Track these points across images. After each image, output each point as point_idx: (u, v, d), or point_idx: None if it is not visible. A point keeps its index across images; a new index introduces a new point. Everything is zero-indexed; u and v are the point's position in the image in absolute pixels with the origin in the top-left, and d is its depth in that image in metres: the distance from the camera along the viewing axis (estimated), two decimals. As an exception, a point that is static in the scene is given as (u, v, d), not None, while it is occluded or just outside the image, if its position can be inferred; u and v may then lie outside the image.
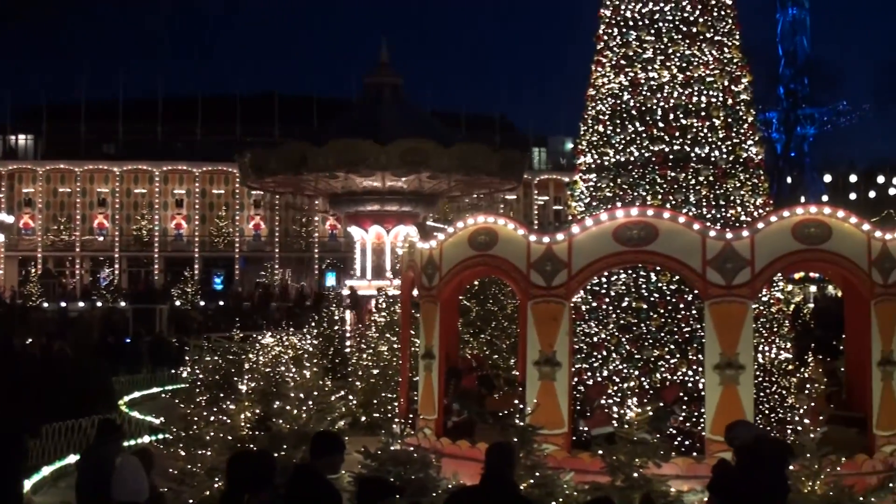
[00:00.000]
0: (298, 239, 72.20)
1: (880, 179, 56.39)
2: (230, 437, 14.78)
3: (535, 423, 12.70)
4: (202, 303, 55.19)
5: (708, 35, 16.43)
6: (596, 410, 14.58)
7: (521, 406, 14.15)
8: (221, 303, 56.33)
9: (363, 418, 19.94)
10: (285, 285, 63.85)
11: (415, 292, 17.39)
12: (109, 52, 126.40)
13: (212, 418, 15.66)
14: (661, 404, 13.84)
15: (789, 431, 14.36)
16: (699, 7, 16.44)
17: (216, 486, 12.80)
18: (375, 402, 20.17)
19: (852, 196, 58.24)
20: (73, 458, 16.48)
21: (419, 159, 26.92)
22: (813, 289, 50.79)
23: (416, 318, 17.25)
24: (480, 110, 76.79)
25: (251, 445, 14.17)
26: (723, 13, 16.66)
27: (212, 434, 14.75)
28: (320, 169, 27.34)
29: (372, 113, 29.61)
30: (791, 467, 10.40)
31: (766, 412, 14.96)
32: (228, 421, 15.56)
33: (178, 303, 53.42)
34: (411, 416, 16.75)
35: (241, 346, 22.39)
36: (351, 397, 20.32)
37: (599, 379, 15.38)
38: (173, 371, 27.34)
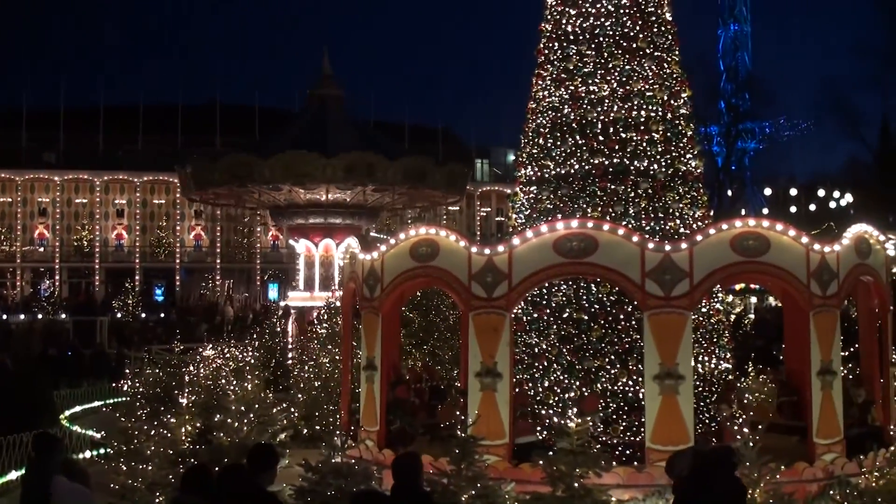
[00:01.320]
0: (240, 250, 71.70)
1: (821, 193, 57.15)
2: (171, 451, 14.65)
3: (477, 434, 12.72)
4: (143, 314, 54.62)
5: (648, 50, 16.64)
6: (519, 420, 14.65)
7: (463, 417, 14.19)
8: (163, 314, 55.80)
9: (305, 431, 19.84)
10: (227, 297, 63.37)
11: (357, 304, 17.35)
12: (51, 60, 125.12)
13: (152, 432, 15.50)
14: (583, 413, 13.88)
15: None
16: (639, 22, 16.64)
17: (157, 501, 12.69)
18: (317, 414, 20.08)
19: (793, 209, 58.93)
20: (14, 474, 16.24)
21: (364, 172, 26.91)
22: (753, 300, 51.39)
23: (359, 330, 17.21)
24: (424, 122, 76.92)
25: (192, 459, 14.05)
26: (663, 29, 16.87)
27: (152, 448, 14.60)
28: (266, 181, 27.22)
29: (316, 125, 29.53)
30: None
31: (706, 421, 15.16)
32: (169, 435, 15.42)
33: (119, 314, 52.80)
34: (353, 427, 16.71)
35: (182, 358, 22.20)
36: (292, 410, 20.22)
37: (527, 388, 15.50)
38: (114, 384, 27.02)
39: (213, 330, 42.26)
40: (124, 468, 14.12)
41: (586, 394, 14.97)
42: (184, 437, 15.58)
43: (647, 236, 14.67)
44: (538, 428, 15.01)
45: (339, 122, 29.60)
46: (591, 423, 12.33)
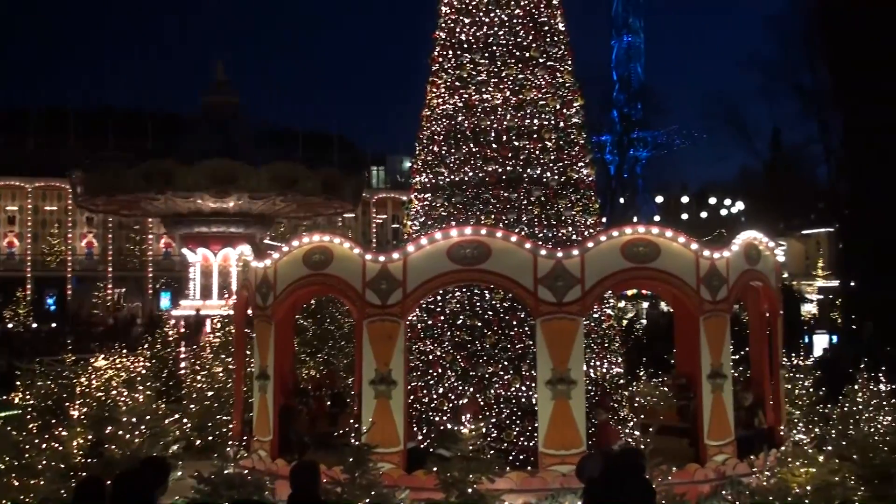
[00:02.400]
0: (132, 258, 70.39)
1: (712, 201, 58.41)
2: (63, 465, 14.29)
3: (371, 442, 12.69)
4: (35, 324, 53.27)
5: (541, 60, 16.83)
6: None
7: (357, 425, 14.15)
8: (54, 324, 54.51)
9: (198, 442, 19.54)
10: (117, 305, 62.22)
11: (249, 312, 17.19)
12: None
13: (44, 446, 15.10)
14: (461, 420, 13.96)
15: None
16: (532, 32, 16.83)
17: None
18: (210, 424, 19.80)
19: (684, 216, 60.07)
20: None
21: (287, 182, 26.64)
22: (645, 305, 52.20)
23: (252, 339, 17.04)
24: (319, 129, 76.40)
25: (84, 473, 13.73)
26: (556, 39, 17.09)
27: (44, 462, 14.23)
28: (187, 188, 26.75)
29: (215, 132, 29.06)
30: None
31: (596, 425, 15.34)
32: (61, 448, 15.04)
33: (9, 325, 51.42)
34: (246, 438, 16.54)
35: (74, 369, 21.68)
36: (185, 420, 19.90)
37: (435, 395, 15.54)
38: (4, 397, 26.26)
39: (108, 337, 41.40)
40: (16, 483, 13.74)
41: (464, 401, 15.09)
42: (76, 451, 15.21)
43: (540, 243, 14.82)
44: (430, 433, 15.07)
45: (239, 130, 29.26)
46: (474, 429, 12.43)
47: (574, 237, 16.14)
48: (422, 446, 14.91)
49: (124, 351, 23.82)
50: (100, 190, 27.86)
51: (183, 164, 26.52)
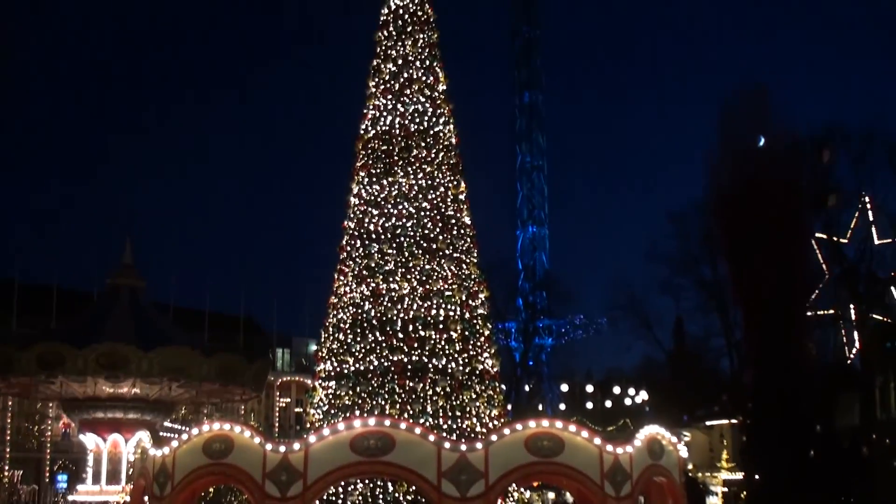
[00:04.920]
0: (30, 438, 67.86)
1: (616, 390, 58.79)
2: None
3: None
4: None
5: (447, 251, 17.13)
6: None
7: None
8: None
9: None
10: (13, 488, 59.61)
11: (146, 500, 16.61)
12: None
13: None
14: None
15: None
16: (440, 225, 17.17)
17: None
18: None
19: (589, 405, 60.22)
20: None
21: (179, 367, 26.10)
22: (552, 495, 51.73)
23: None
24: (225, 309, 75.65)
25: None
26: (462, 231, 17.45)
27: None
28: (79, 372, 26.02)
29: (121, 315, 28.56)
30: None
31: None
32: None
33: None
34: None
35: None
36: None
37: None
38: None
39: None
40: None
41: None
42: None
43: (444, 435, 14.70)
44: None
45: (141, 313, 28.81)
46: None
47: (479, 429, 16.09)
48: None
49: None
50: (20, 371, 27.00)
51: (74, 346, 25.91)
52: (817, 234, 32.57)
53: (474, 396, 16.33)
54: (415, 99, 17.97)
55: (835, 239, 32.72)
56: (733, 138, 28.79)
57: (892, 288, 32.61)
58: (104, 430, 28.19)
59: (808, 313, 32.12)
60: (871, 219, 32.78)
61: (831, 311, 34.06)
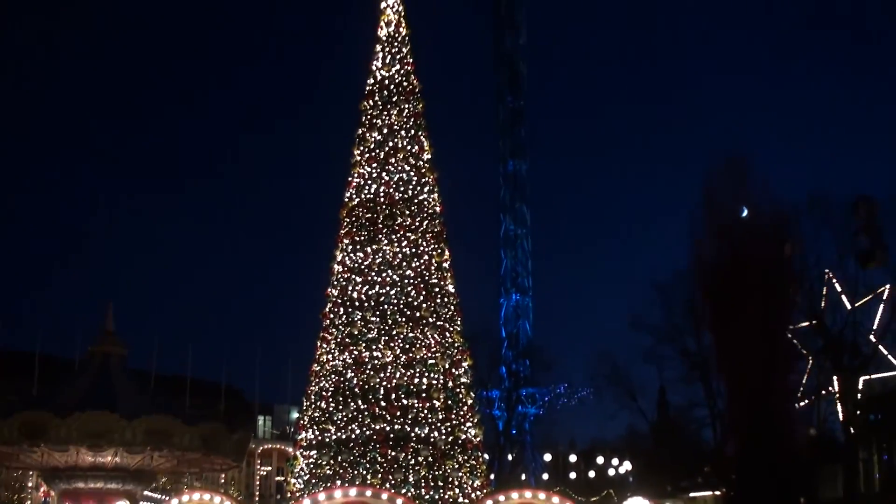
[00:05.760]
0: (10, 507, 66.84)
1: (600, 460, 58.32)
2: None
3: None
4: None
5: (431, 320, 17.11)
6: None
7: None
8: None
9: None
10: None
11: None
12: None
13: None
14: None
15: None
16: (423, 293, 17.16)
17: None
18: None
19: (572, 475, 59.74)
20: None
21: (162, 436, 25.78)
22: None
23: None
24: (206, 375, 75.06)
25: None
26: (445, 300, 17.44)
27: None
28: (61, 441, 25.65)
29: (101, 383, 28.27)
30: None
31: None
32: None
33: None
34: None
35: None
36: None
37: None
38: None
39: None
40: None
41: None
42: None
43: (426, 505, 14.57)
44: None
45: (123, 381, 28.49)
46: None
47: (461, 500, 15.96)
48: None
49: None
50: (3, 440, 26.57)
51: (56, 415, 25.59)
52: (795, 311, 32.54)
53: (457, 466, 16.22)
54: (400, 167, 18.08)
55: (813, 313, 32.74)
56: (716, 209, 28.95)
57: (881, 347, 32.56)
58: (85, 500, 27.78)
59: (792, 385, 32.09)
60: (839, 290, 32.86)
61: (814, 383, 34.05)
